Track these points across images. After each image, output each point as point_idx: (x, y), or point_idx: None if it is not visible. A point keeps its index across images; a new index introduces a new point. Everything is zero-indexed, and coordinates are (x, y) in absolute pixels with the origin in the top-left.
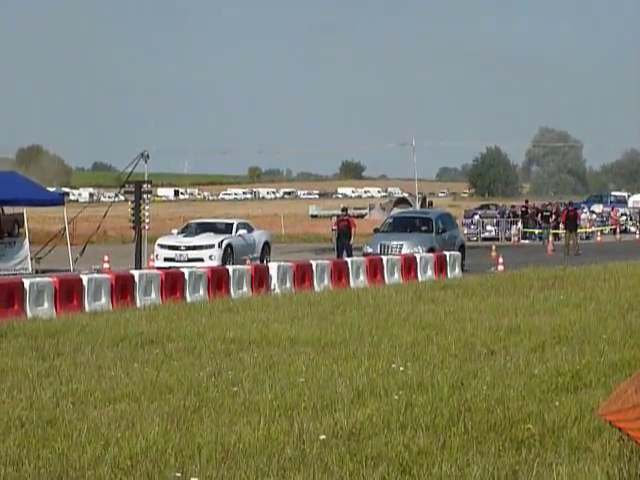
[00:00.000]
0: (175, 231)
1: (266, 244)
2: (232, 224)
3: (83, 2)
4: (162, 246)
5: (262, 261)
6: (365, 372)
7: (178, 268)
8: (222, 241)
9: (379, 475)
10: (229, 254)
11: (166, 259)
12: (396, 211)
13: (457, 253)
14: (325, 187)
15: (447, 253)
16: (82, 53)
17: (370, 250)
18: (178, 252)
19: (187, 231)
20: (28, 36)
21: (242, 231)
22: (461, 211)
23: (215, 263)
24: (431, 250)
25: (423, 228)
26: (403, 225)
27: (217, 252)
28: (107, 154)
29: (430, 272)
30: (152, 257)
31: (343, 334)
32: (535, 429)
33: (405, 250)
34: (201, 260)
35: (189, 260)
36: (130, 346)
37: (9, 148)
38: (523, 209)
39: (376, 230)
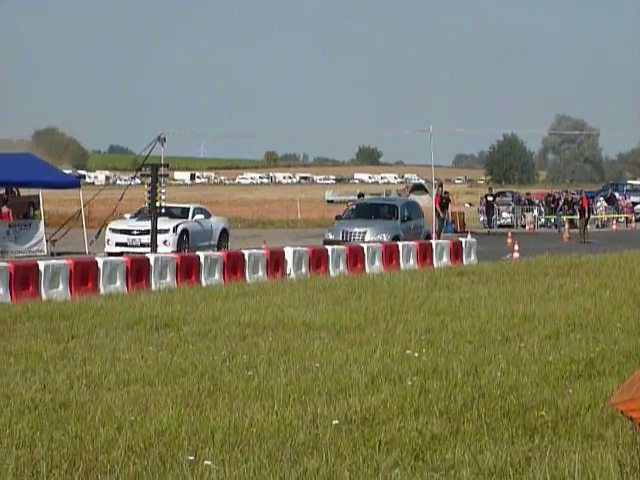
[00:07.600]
0: (128, 215)
1: (224, 231)
2: (188, 209)
3: None
4: (114, 230)
5: (219, 249)
6: (379, 357)
7: (129, 254)
8: (177, 226)
9: (392, 460)
10: (184, 240)
11: (118, 244)
12: (412, 197)
13: (473, 240)
14: (341, 172)
15: (463, 239)
16: (99, 36)
17: (332, 237)
18: (130, 237)
19: (140, 215)
20: (44, 20)
21: (199, 216)
22: (477, 198)
23: (170, 249)
24: (396, 238)
25: (388, 215)
26: (367, 212)
27: (172, 237)
28: (124, 137)
29: (446, 258)
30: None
31: (358, 319)
32: (548, 416)
33: (368, 237)
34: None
35: (142, 245)
36: (145, 329)
37: (25, 130)
38: (551, 198)
39: (338, 217)
